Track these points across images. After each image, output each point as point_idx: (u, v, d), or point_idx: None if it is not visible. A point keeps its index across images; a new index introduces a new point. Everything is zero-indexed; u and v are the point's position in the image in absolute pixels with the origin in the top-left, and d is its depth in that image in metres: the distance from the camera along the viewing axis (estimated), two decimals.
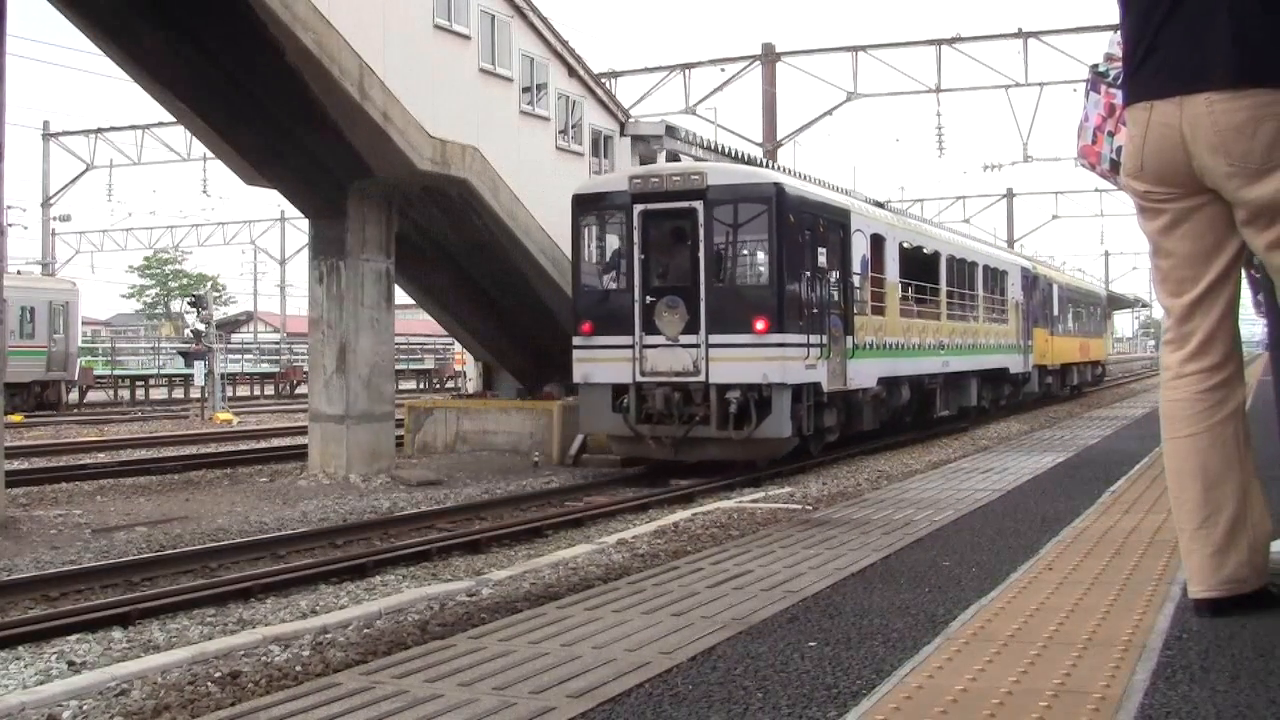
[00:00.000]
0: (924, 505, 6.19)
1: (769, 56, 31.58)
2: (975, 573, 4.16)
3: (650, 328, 14.97)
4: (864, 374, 16.97)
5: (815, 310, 15.42)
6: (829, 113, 32.34)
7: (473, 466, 16.70)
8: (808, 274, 15.38)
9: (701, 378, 14.66)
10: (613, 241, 15.93)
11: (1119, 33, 3.49)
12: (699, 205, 14.92)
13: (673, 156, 20.27)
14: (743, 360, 14.56)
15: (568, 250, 18.06)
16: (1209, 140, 3.01)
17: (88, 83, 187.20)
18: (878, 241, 18.11)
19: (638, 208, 15.17)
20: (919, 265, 20.23)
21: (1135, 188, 3.24)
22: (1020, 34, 29.93)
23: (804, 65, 31.75)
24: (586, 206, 16.00)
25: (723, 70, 31.99)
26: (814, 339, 15.26)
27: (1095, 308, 41.03)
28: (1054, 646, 2.99)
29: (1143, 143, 3.16)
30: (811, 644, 3.18)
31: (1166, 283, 3.25)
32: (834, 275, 16.24)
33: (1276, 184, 2.97)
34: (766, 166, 22.30)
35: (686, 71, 32.15)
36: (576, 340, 15.55)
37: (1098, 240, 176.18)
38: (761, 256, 15.42)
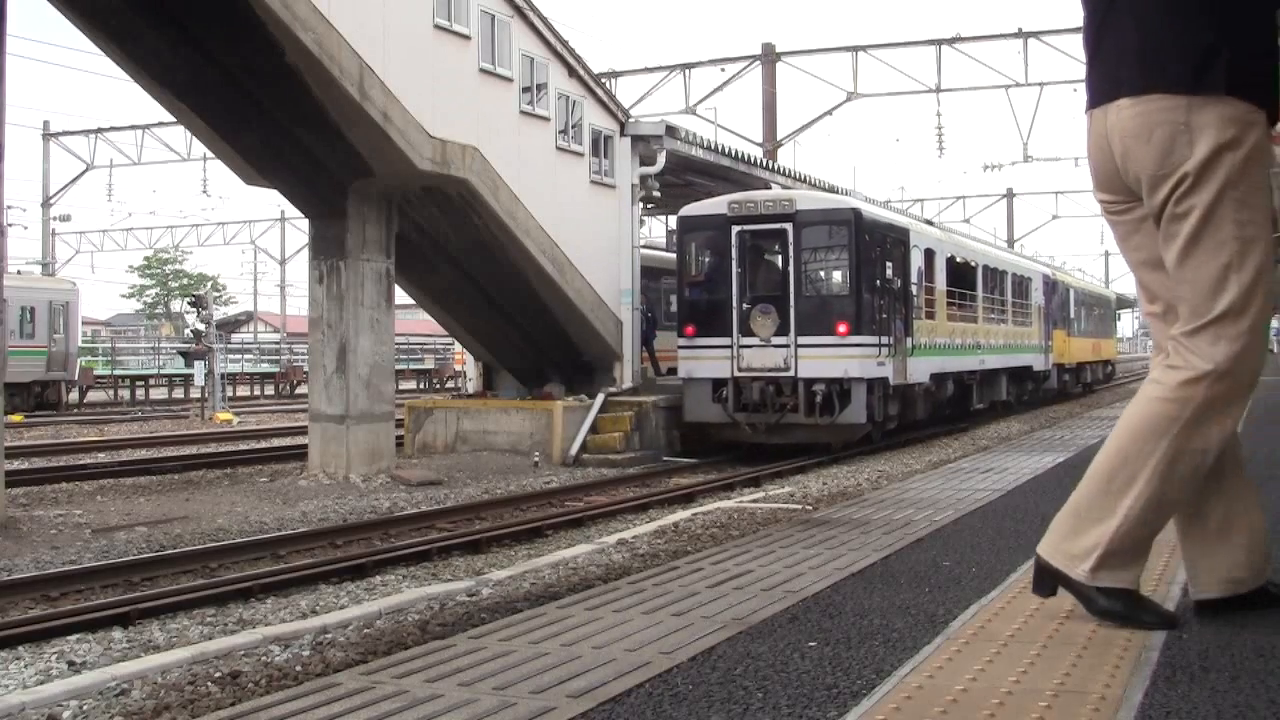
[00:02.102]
0: (924, 505, 6.18)
1: (769, 56, 31.56)
2: (975, 573, 4.16)
3: (746, 330, 17.56)
4: (920, 370, 19.51)
5: (884, 315, 18.04)
6: (829, 113, 32.33)
7: (473, 466, 16.70)
8: (878, 284, 18.05)
9: (791, 373, 17.27)
10: (713, 257, 18.42)
11: None
12: (789, 226, 17.54)
13: (673, 156, 20.35)
14: (827, 358, 17.16)
15: (568, 250, 18.13)
16: (1119, 147, 3.04)
17: (88, 83, 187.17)
18: (930, 255, 20.75)
19: (735, 228, 17.80)
20: (961, 274, 22.89)
21: (1096, 197, 3.27)
22: (1020, 34, 29.91)
23: (804, 65, 31.75)
24: (691, 227, 18.77)
25: (723, 70, 32.00)
26: (883, 340, 17.84)
27: (1105, 310, 43.29)
28: (1054, 646, 2.99)
29: (1089, 152, 3.19)
30: (811, 644, 3.18)
31: (1141, 290, 3.28)
32: (897, 285, 18.83)
33: (1164, 193, 2.96)
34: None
35: (686, 71, 32.13)
36: (681, 341, 18.31)
37: (1098, 240, 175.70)
38: (842, 270, 17.96)
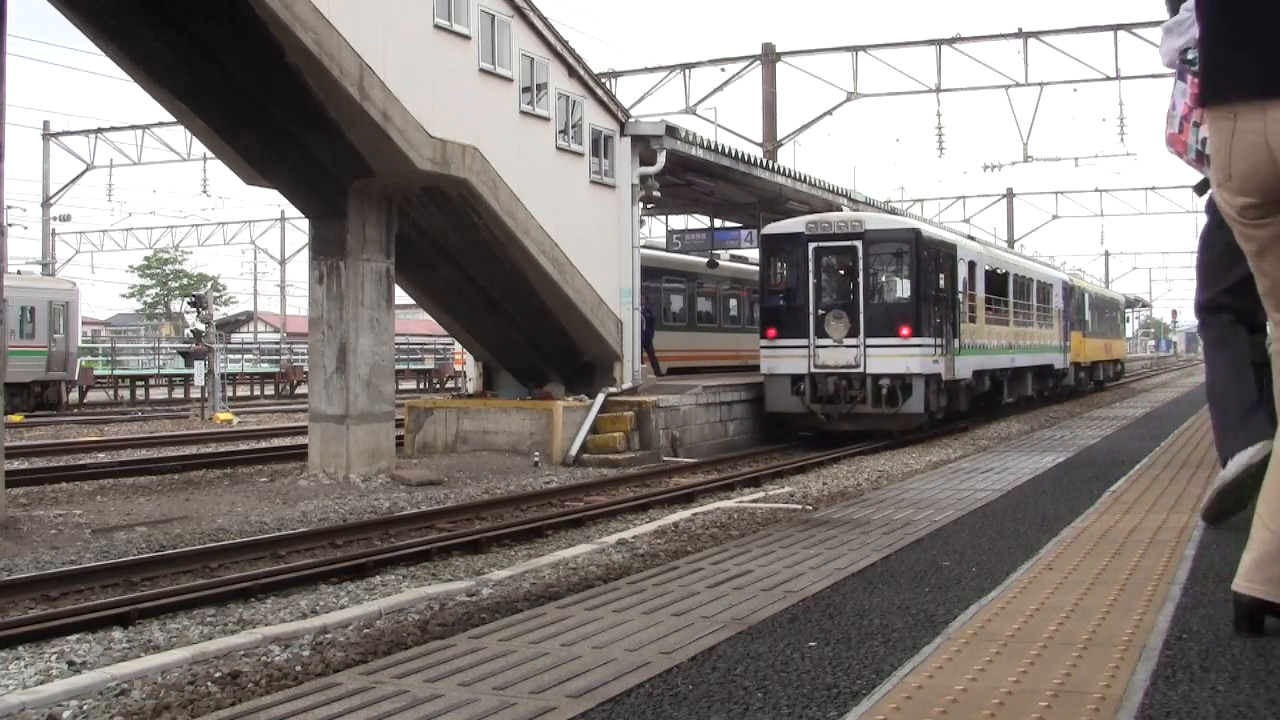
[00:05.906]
0: (924, 505, 6.18)
1: (769, 56, 31.56)
2: (975, 573, 4.16)
3: (821, 332, 20.17)
4: (964, 367, 22.10)
5: (938, 320, 20.71)
6: (829, 113, 32.33)
7: (473, 466, 16.69)
8: (933, 293, 20.76)
9: (860, 369, 19.86)
10: (791, 269, 20.88)
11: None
12: (859, 244, 20.28)
13: (673, 156, 20.36)
14: (891, 357, 19.74)
15: (568, 250, 18.16)
16: None
17: (88, 83, 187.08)
18: (972, 266, 23.53)
19: (811, 245, 20.52)
20: (995, 282, 25.61)
21: (1228, 202, 2.96)
22: (1020, 34, 29.91)
23: (804, 65, 31.75)
24: (772, 243, 21.49)
25: (723, 70, 32.00)
26: (937, 341, 20.52)
27: (1116, 312, 46.59)
28: (1054, 646, 2.99)
29: (1229, 155, 2.87)
30: (811, 644, 3.18)
31: (1269, 297, 3.05)
32: (947, 293, 21.53)
33: None
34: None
35: (686, 71, 32.13)
36: (763, 342, 20.95)
37: (1098, 240, 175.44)
38: (904, 281, 20.59)
